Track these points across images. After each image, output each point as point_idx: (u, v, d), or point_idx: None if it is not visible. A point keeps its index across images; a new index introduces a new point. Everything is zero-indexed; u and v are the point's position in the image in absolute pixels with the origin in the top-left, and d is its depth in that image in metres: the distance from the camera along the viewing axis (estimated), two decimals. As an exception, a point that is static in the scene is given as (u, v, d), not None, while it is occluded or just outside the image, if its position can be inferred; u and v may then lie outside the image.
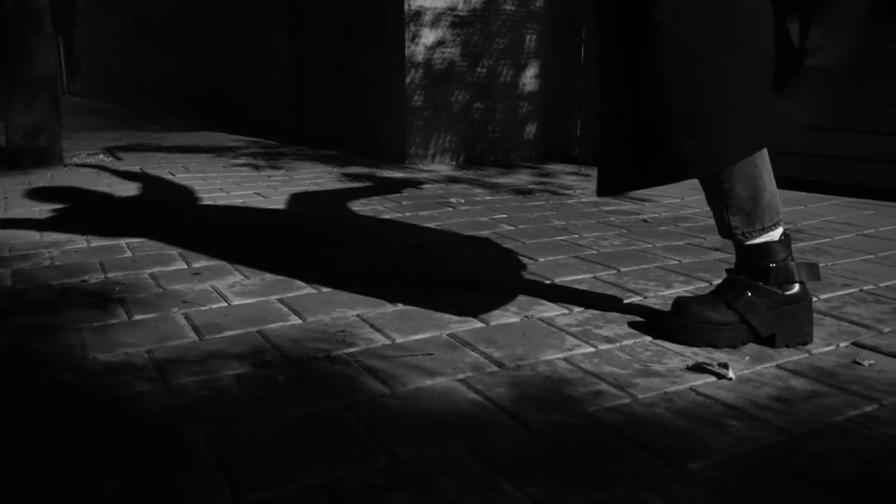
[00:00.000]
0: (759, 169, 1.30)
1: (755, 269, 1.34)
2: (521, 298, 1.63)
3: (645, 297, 1.65)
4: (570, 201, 2.95)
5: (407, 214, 2.64)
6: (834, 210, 2.72)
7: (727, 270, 1.39)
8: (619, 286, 1.73)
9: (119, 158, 4.29)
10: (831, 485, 0.90)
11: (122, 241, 2.18)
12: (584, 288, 1.72)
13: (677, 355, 1.30)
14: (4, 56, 3.68)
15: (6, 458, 0.96)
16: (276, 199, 2.94)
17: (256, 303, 1.60)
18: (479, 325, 1.46)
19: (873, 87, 2.98)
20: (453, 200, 2.94)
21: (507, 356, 1.30)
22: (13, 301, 1.62)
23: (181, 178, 3.51)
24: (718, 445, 0.99)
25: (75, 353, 1.31)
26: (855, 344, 1.37)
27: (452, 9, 4.09)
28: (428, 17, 4.04)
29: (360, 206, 2.80)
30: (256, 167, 3.93)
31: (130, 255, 2.03)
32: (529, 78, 4.38)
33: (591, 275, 1.83)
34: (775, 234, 1.33)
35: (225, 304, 1.59)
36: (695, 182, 1.41)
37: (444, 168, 4.05)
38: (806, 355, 1.31)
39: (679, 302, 1.39)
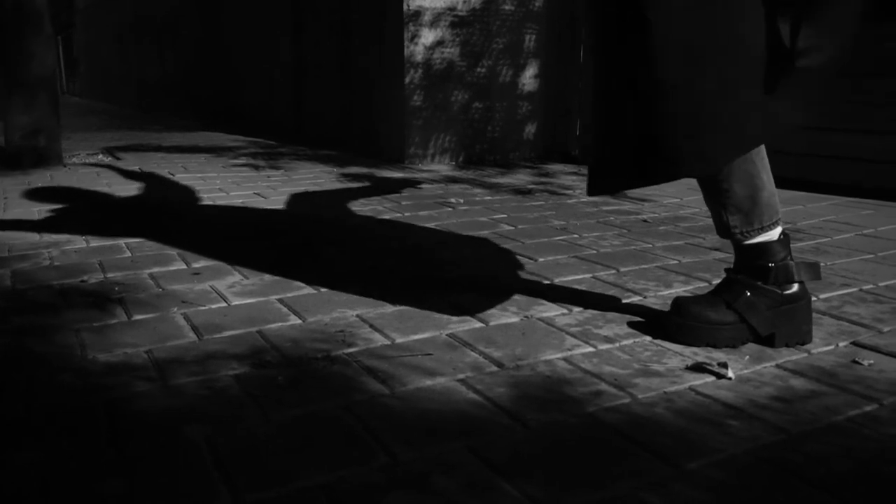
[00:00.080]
0: (758, 168, 1.30)
1: (754, 268, 1.34)
2: (521, 298, 1.63)
3: (644, 297, 1.65)
4: (569, 201, 2.95)
5: (406, 214, 2.64)
6: (833, 210, 2.72)
7: (726, 270, 1.39)
8: (619, 286, 1.73)
9: (118, 158, 4.29)
10: (830, 484, 0.90)
11: (122, 242, 2.18)
12: (584, 288, 1.72)
13: (677, 355, 1.30)
14: (3, 56, 3.68)
15: (6, 458, 0.96)
16: (276, 200, 2.94)
17: (256, 303, 1.60)
18: (478, 325, 1.46)
19: (869, 86, 2.98)
20: (453, 200, 2.94)
21: (507, 356, 1.30)
22: (13, 301, 1.62)
23: (181, 178, 3.51)
24: (718, 445, 0.99)
25: (75, 353, 1.31)
26: (854, 343, 1.37)
27: (451, 9, 4.09)
28: (427, 17, 4.04)
29: (359, 207, 2.80)
30: (256, 167, 3.93)
31: (130, 255, 2.03)
32: (529, 78, 4.38)
33: (591, 275, 1.83)
34: (774, 234, 1.33)
35: (224, 304, 1.59)
36: (694, 182, 1.41)
37: (443, 168, 4.05)
38: (805, 355, 1.31)
39: (678, 302, 1.39)
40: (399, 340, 1.37)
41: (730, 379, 1.20)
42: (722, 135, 1.17)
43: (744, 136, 1.19)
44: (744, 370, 1.24)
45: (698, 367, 1.24)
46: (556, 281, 1.78)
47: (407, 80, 4.04)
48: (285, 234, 2.31)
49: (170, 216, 2.59)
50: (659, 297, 1.65)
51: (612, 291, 1.69)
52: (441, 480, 0.90)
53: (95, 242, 2.17)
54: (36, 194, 3.03)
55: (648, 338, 1.39)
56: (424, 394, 1.15)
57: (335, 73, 4.83)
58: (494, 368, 1.25)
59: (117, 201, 2.90)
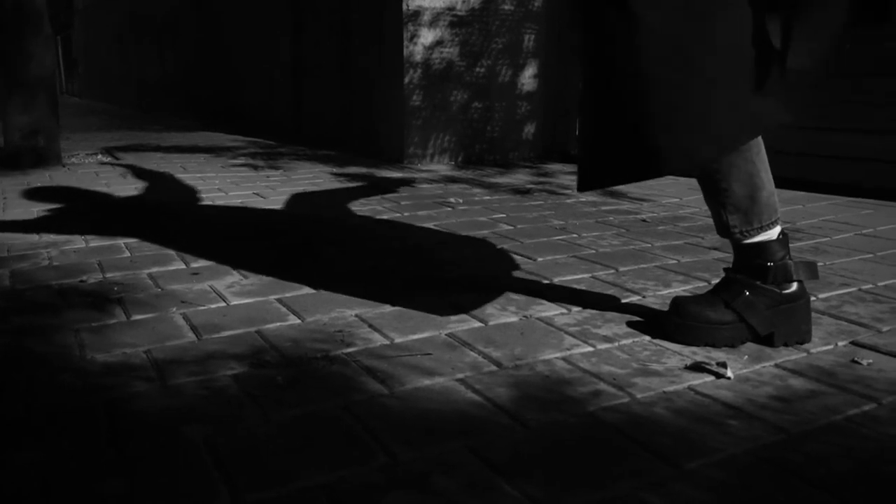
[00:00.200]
0: (757, 167, 1.30)
1: (753, 267, 1.34)
2: (520, 298, 1.63)
3: (643, 297, 1.65)
4: (568, 201, 2.95)
5: (406, 214, 2.64)
6: (832, 209, 2.72)
7: (725, 269, 1.39)
8: (618, 286, 1.73)
9: (118, 159, 4.29)
10: (830, 484, 0.90)
11: (121, 241, 2.18)
12: (583, 287, 1.72)
13: (676, 355, 1.30)
14: (2, 57, 3.67)
15: (6, 458, 0.96)
16: (275, 200, 2.94)
17: (255, 303, 1.60)
18: (477, 324, 1.46)
19: (869, 86, 2.98)
20: (452, 200, 2.94)
21: (506, 356, 1.30)
22: (12, 301, 1.62)
23: (180, 178, 3.51)
24: (717, 445, 0.99)
25: (74, 353, 1.31)
26: (853, 343, 1.37)
27: (451, 9, 4.09)
28: (426, 17, 4.04)
29: (359, 206, 2.80)
30: (255, 167, 3.93)
31: (129, 255, 2.03)
32: (528, 78, 4.38)
33: (590, 274, 1.83)
34: (773, 233, 1.33)
35: (223, 304, 1.59)
36: (693, 182, 1.41)
37: (442, 168, 4.05)
38: (804, 354, 1.31)
39: (677, 301, 1.39)
40: (398, 340, 1.37)
41: (729, 378, 1.20)
42: (700, 133, 1.17)
43: (722, 135, 1.19)
44: (743, 370, 1.24)
45: (697, 367, 1.24)
46: (555, 280, 1.78)
47: (406, 79, 4.04)
48: (284, 233, 2.31)
49: (169, 216, 2.59)
50: (658, 296, 1.65)
51: (611, 291, 1.69)
52: (441, 480, 0.90)
53: (94, 242, 2.17)
54: (35, 194, 3.03)
55: (647, 337, 1.39)
56: (424, 394, 1.15)
57: (335, 73, 4.83)
58: (494, 368, 1.25)
59: (116, 201, 2.90)
